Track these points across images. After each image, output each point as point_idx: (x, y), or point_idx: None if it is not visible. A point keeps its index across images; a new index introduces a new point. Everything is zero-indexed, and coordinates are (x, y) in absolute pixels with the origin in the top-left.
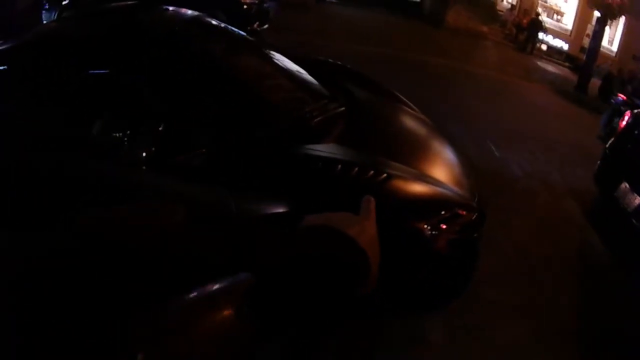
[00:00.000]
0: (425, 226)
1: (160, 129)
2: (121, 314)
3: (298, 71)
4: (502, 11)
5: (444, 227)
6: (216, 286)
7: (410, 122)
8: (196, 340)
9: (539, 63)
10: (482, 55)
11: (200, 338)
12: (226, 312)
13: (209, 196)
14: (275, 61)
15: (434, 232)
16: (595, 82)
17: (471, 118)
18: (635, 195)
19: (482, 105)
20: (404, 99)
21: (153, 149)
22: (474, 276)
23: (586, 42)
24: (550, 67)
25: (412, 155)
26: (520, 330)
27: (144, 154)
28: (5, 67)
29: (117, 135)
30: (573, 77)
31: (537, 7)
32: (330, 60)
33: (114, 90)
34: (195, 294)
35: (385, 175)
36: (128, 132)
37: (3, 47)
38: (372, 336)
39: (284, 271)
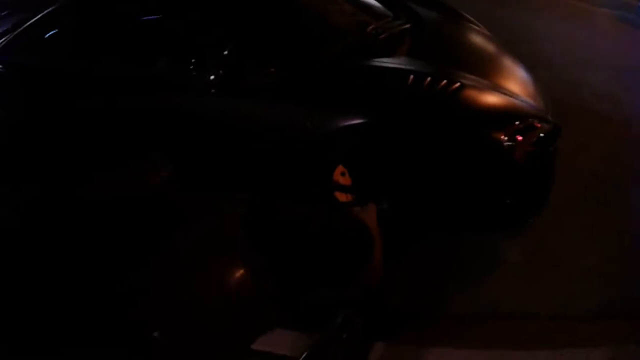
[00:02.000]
0: (502, 136)
1: (225, 53)
2: (126, 289)
3: None
4: None
5: (520, 138)
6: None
7: (477, 38)
8: (210, 307)
9: None
10: None
11: (214, 304)
12: (238, 273)
13: (282, 116)
14: None
15: (510, 143)
16: None
17: (536, 39)
18: None
19: (546, 27)
20: (469, 17)
21: (221, 72)
22: (550, 196)
23: None
24: None
25: (483, 68)
26: (594, 256)
27: (212, 78)
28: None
29: (183, 65)
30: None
31: None
32: None
33: (169, 28)
34: (199, 256)
35: (458, 84)
36: (193, 60)
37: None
38: (449, 259)
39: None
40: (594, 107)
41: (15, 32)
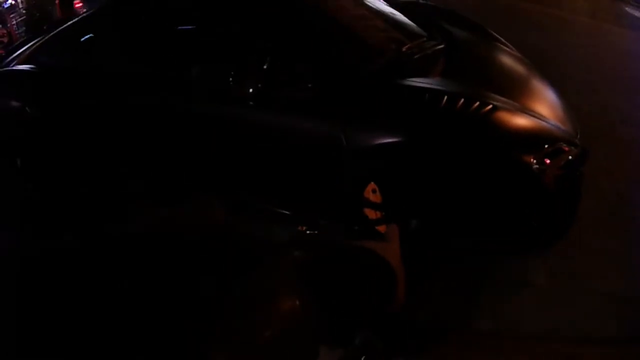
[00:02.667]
0: (532, 160)
1: (264, 66)
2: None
3: (392, 12)
4: None
5: (548, 162)
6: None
7: (509, 60)
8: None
9: (628, 9)
10: (572, 1)
11: (267, 336)
12: (289, 304)
13: (318, 130)
14: (369, 3)
15: (540, 167)
16: None
17: (564, 62)
18: None
19: (573, 50)
20: (501, 38)
21: (259, 85)
22: (576, 219)
23: None
24: (638, 13)
25: (514, 90)
26: (619, 280)
27: (251, 90)
28: (92, 34)
29: (221, 76)
30: None
31: None
32: (421, 1)
33: (207, 38)
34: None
35: (490, 106)
36: (232, 72)
37: (88, 13)
38: (474, 278)
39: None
40: (620, 130)
41: (51, 34)
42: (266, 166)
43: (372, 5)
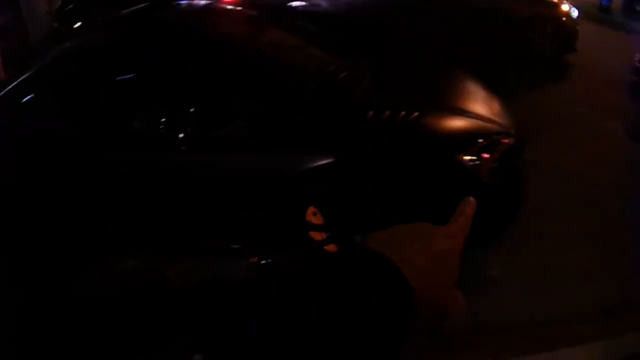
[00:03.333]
0: (465, 157)
1: (191, 110)
2: None
3: (315, 36)
4: None
5: (485, 156)
6: None
7: (439, 68)
8: None
9: None
10: None
11: None
12: None
13: (252, 165)
14: (294, 30)
15: (475, 162)
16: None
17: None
18: None
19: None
20: (430, 49)
21: (189, 129)
22: (523, 205)
23: None
24: None
25: (445, 95)
26: (581, 259)
27: (181, 135)
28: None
29: (153, 124)
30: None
31: None
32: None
33: (144, 88)
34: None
35: (417, 113)
36: (163, 119)
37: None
38: None
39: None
40: (562, 112)
41: None
42: (208, 206)
43: (296, 34)
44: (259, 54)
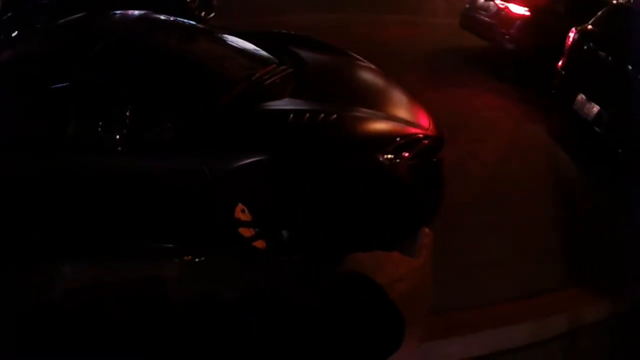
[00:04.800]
0: (383, 155)
1: (127, 113)
2: None
3: (245, 46)
4: None
5: (403, 154)
6: None
7: (359, 71)
8: None
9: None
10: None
11: None
12: None
13: (180, 168)
14: (223, 41)
15: (393, 160)
16: None
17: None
18: (592, 104)
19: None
20: (352, 54)
21: (124, 131)
22: (443, 202)
23: None
24: None
25: (365, 99)
26: (499, 248)
27: (117, 137)
28: None
29: (90, 128)
30: None
31: None
32: (275, 30)
33: (79, 95)
34: None
35: (335, 116)
36: (100, 122)
37: None
38: None
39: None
40: (482, 115)
41: None
42: (141, 207)
43: (226, 42)
44: (188, 59)
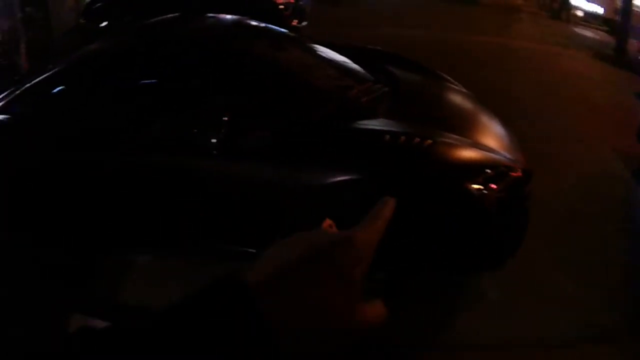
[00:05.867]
0: (473, 185)
1: (225, 118)
2: None
3: (341, 60)
4: None
5: (492, 186)
6: None
7: (453, 96)
8: None
9: (576, 30)
10: (519, 28)
11: None
12: None
13: (277, 174)
14: (319, 53)
15: (482, 192)
16: (633, 43)
17: (513, 90)
18: None
19: (520, 77)
20: (446, 76)
21: (222, 136)
22: (525, 235)
23: (619, 3)
24: (588, 33)
25: (458, 125)
26: (572, 285)
27: (214, 141)
28: (64, 86)
29: (186, 129)
30: (611, 40)
31: None
32: (369, 46)
33: (167, 94)
34: None
35: (431, 141)
36: (198, 124)
37: (60, 67)
38: (432, 296)
39: None
40: (569, 150)
41: (25, 86)
42: (231, 211)
43: (323, 55)
44: (290, 70)
